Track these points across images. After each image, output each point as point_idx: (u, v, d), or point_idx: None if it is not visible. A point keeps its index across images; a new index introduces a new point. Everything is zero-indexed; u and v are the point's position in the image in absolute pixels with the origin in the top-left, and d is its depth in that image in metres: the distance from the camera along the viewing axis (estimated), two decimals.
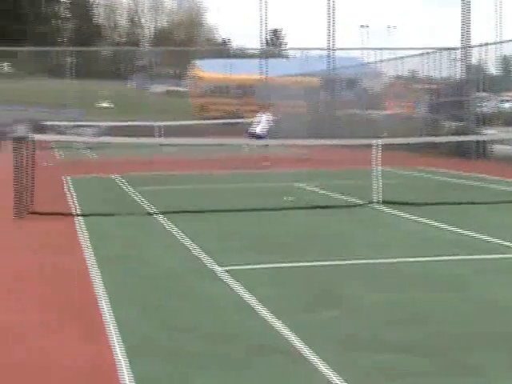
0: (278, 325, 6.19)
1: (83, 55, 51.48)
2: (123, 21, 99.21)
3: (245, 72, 50.95)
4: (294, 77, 43.64)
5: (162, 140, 27.57)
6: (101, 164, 24.62)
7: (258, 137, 22.98)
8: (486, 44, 27.60)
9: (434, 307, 6.84)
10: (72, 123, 38.16)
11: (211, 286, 7.69)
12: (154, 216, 12.55)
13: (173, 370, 5.29)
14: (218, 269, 8.33)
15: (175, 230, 11.00)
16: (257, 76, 46.42)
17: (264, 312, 6.58)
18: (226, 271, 8.17)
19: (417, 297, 7.22)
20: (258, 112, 24.45)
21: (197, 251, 9.40)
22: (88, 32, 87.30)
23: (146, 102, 43.79)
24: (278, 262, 8.77)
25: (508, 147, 24.85)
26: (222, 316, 6.60)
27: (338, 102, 38.68)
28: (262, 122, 23.49)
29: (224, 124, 41.15)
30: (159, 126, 35.84)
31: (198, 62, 72.76)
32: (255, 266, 8.60)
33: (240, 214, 12.95)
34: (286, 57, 71.82)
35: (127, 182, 17.96)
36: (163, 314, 6.68)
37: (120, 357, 5.46)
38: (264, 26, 48.95)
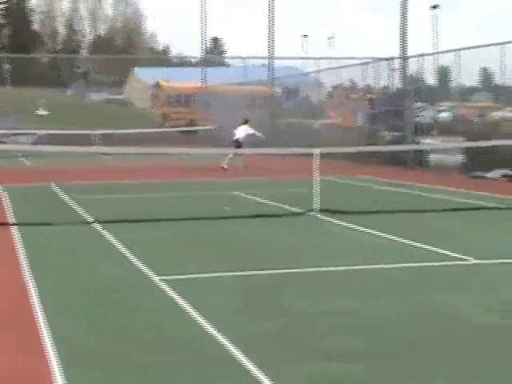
0: (217, 334, 6.14)
1: (20, 62, 50.69)
2: (62, 28, 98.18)
3: (185, 80, 51.09)
4: (249, 85, 43.71)
5: (100, 148, 27.35)
6: (37, 172, 24.23)
7: (238, 142, 25.75)
8: (423, 55, 28.08)
9: (375, 315, 6.87)
10: (8, 131, 37.57)
11: (149, 295, 7.61)
12: (92, 225, 12.38)
13: (110, 380, 5.21)
14: (156, 278, 8.24)
15: (113, 240, 10.87)
16: (204, 84, 46.59)
17: (203, 321, 6.52)
18: (164, 280, 8.10)
19: (356, 305, 7.24)
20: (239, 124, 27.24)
21: (135, 260, 9.29)
22: (25, 39, 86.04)
23: (85, 109, 43.38)
24: (217, 272, 8.72)
25: (443, 156, 25.26)
26: (160, 325, 6.53)
27: (279, 111, 38.85)
28: (239, 131, 26.35)
29: (181, 132, 41.60)
30: (96, 134, 35.58)
31: (137, 70, 72.43)
32: (194, 276, 8.53)
33: (179, 222, 12.86)
34: (228, 65, 72.09)
35: (64, 190, 17.70)
36: (100, 323, 6.58)
37: (55, 367, 5.35)
38: (204, 33, 49.01)
